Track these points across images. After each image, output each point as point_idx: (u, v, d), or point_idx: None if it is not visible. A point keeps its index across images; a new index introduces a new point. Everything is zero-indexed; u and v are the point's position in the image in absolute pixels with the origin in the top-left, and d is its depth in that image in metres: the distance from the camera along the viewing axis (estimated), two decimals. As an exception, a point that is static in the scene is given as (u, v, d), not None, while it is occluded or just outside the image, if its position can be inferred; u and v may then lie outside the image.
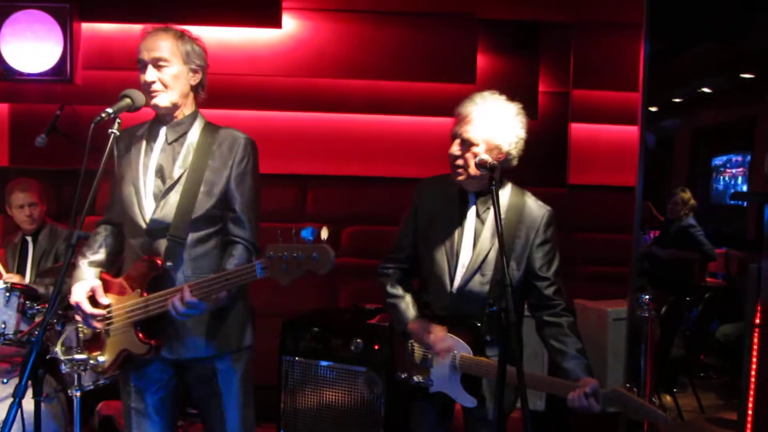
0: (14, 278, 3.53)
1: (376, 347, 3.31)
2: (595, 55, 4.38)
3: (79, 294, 2.24)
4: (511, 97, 2.29)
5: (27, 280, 3.74)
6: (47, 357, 2.22)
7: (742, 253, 6.56)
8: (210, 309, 2.17)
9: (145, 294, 2.18)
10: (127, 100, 2.19)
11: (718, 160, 8.33)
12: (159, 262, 2.19)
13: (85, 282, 2.27)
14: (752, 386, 2.86)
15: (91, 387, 3.19)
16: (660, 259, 5.81)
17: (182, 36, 2.28)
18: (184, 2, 4.11)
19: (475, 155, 2.21)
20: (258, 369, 2.47)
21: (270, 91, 4.34)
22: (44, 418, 3.11)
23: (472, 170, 2.23)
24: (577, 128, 4.49)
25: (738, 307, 5.99)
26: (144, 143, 2.32)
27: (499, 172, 2.22)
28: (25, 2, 4.01)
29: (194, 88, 2.32)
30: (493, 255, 2.30)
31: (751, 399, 2.87)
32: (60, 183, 4.11)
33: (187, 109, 2.31)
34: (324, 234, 1.85)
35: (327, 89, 4.37)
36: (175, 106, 2.28)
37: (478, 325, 2.29)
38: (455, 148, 2.26)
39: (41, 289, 3.50)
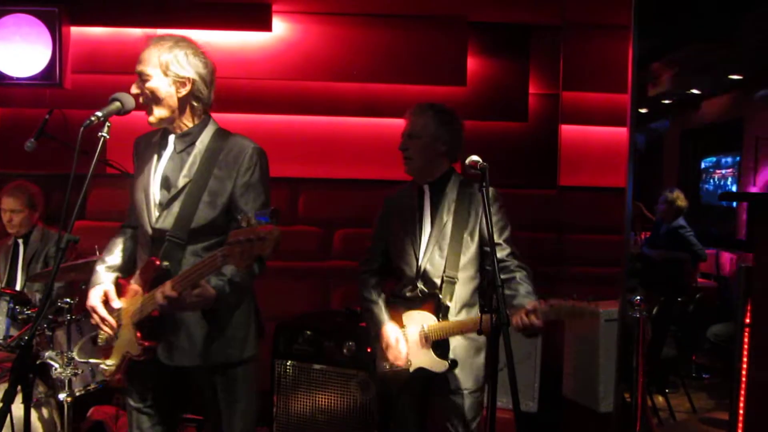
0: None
1: (369, 350, 3.31)
2: (585, 57, 4.39)
3: (93, 299, 2.26)
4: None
5: (18, 282, 3.73)
6: (37, 362, 2.21)
7: (734, 254, 6.61)
8: (196, 308, 2.15)
9: (146, 294, 2.19)
10: (117, 104, 2.19)
11: (707, 161, 8.37)
12: (157, 262, 2.19)
13: (100, 287, 2.29)
14: (743, 386, 2.87)
15: (82, 392, 3.17)
16: (651, 260, 5.83)
17: (172, 46, 2.20)
18: (174, 6, 4.10)
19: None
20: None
21: (261, 94, 4.33)
22: (35, 423, 3.10)
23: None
24: (567, 130, 4.49)
25: (729, 307, 6.05)
26: (157, 150, 2.31)
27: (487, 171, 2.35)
28: (13, 6, 3.98)
29: (184, 100, 2.23)
30: (448, 230, 2.58)
31: (742, 399, 2.87)
32: (49, 187, 4.08)
33: (187, 120, 2.26)
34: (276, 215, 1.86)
35: (318, 92, 4.36)
36: (167, 121, 2.24)
37: (439, 295, 2.56)
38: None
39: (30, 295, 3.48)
